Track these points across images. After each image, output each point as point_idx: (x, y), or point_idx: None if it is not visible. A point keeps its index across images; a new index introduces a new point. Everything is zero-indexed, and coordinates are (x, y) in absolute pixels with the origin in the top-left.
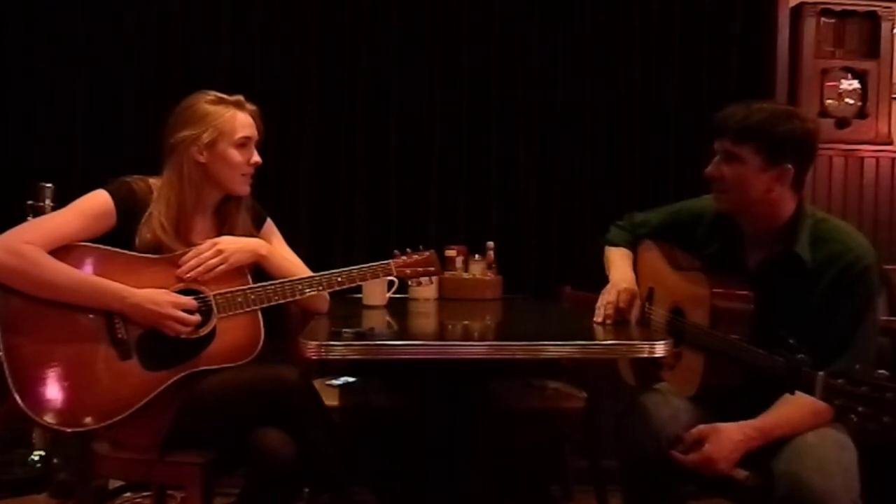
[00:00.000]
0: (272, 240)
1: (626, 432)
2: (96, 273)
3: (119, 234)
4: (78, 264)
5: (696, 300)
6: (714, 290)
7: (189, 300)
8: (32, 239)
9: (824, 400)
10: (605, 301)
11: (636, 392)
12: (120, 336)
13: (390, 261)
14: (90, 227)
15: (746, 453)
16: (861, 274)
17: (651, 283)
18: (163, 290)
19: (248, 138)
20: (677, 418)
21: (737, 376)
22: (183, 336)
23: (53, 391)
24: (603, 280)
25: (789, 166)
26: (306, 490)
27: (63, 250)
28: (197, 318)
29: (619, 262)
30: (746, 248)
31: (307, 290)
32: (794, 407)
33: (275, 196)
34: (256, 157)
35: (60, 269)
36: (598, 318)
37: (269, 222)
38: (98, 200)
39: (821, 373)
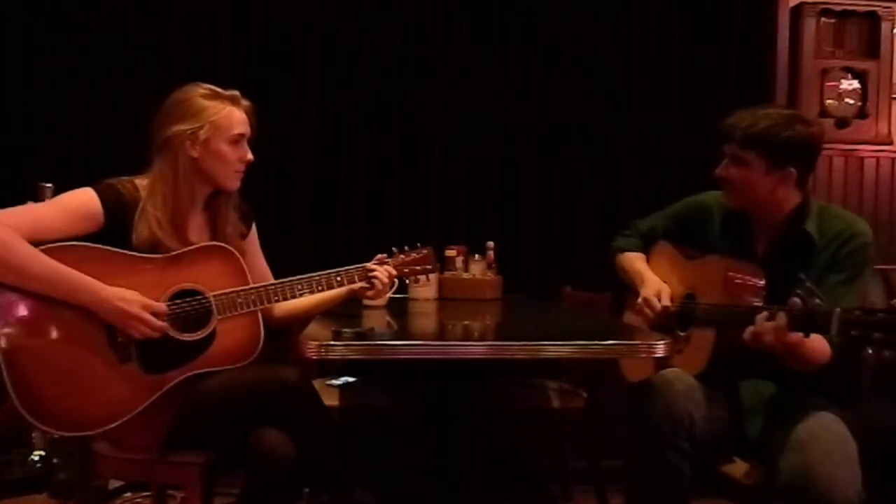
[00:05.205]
0: (253, 244)
1: (639, 409)
2: (94, 273)
3: (108, 237)
4: (76, 263)
5: (711, 280)
6: (728, 266)
7: (160, 305)
8: (10, 222)
9: (841, 334)
10: (649, 298)
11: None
12: (120, 340)
13: (390, 260)
14: (74, 225)
15: (785, 338)
16: (860, 248)
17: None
18: (135, 291)
19: (242, 135)
20: (691, 396)
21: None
22: (187, 339)
23: (53, 397)
24: (605, 282)
25: (792, 170)
26: (306, 490)
27: (61, 249)
28: (164, 324)
29: (638, 264)
30: (756, 237)
31: (306, 291)
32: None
33: (275, 196)
34: (249, 155)
35: (33, 256)
36: (651, 314)
37: (254, 227)
38: (84, 199)
39: (837, 309)
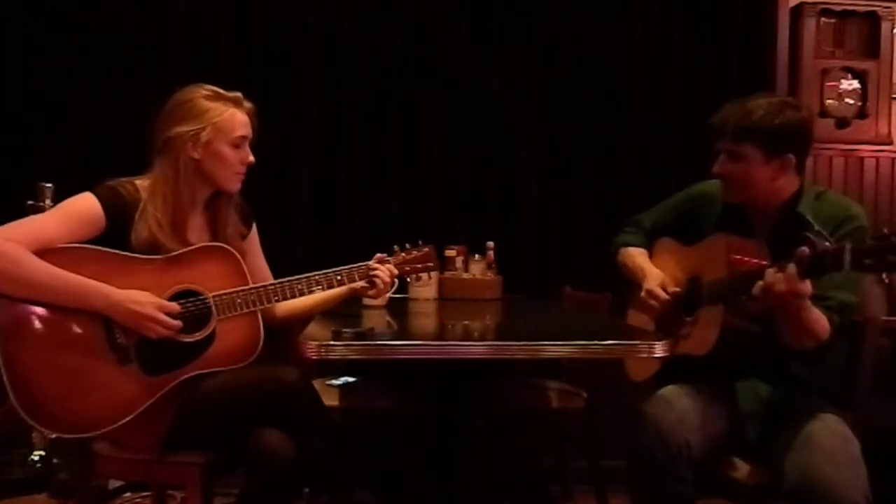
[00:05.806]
0: (253, 244)
1: (634, 441)
2: (92, 274)
3: (109, 239)
4: (73, 265)
5: (713, 259)
6: (730, 243)
7: (173, 305)
8: (13, 237)
9: (854, 266)
10: (653, 289)
11: (638, 396)
12: (119, 341)
13: (391, 259)
14: (77, 232)
15: (797, 286)
16: (854, 231)
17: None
18: (146, 293)
19: (243, 138)
20: (683, 422)
21: (757, 310)
22: (186, 339)
23: (53, 399)
24: (605, 282)
25: (790, 156)
26: (306, 490)
27: (58, 251)
28: (178, 323)
29: (640, 259)
30: (755, 227)
31: (307, 290)
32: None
33: (275, 196)
34: (251, 157)
35: (41, 268)
36: (655, 304)
37: (255, 227)
38: (86, 204)
39: (847, 244)
